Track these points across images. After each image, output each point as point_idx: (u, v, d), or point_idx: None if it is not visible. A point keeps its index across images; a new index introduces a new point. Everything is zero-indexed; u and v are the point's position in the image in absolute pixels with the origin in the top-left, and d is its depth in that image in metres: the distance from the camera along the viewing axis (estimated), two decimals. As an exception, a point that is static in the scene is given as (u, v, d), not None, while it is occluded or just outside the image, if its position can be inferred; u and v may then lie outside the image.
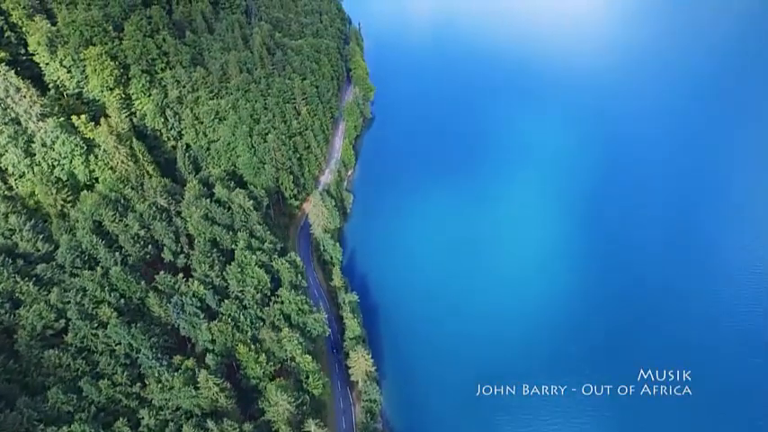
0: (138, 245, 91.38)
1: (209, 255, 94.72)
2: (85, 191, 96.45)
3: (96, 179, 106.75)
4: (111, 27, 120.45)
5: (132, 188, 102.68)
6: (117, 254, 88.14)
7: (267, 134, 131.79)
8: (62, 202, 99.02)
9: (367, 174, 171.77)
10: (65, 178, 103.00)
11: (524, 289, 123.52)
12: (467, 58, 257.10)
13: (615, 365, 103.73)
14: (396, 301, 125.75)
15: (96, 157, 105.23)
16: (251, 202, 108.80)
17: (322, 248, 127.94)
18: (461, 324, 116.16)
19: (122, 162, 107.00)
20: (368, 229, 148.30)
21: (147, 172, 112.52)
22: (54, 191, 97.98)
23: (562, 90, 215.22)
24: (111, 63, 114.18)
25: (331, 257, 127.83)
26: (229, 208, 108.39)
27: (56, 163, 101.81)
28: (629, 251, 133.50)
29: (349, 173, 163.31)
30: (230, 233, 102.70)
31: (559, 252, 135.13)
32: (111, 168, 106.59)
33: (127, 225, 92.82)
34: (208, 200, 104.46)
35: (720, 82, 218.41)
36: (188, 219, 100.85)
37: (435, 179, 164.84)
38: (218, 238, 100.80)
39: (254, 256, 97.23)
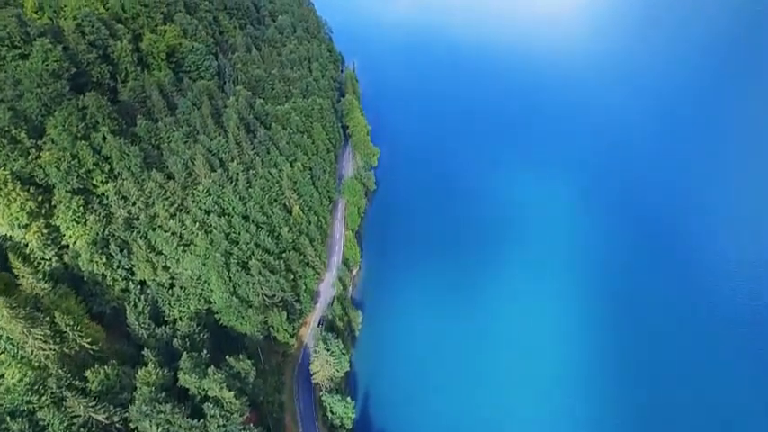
0: None
1: None
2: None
3: (2, 376, 73.45)
4: (23, 133, 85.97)
5: (52, 397, 69.63)
6: None
7: (250, 259, 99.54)
8: (-59, 434, 65.77)
9: (374, 266, 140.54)
10: (-51, 385, 69.63)
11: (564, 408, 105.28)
12: (468, 83, 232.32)
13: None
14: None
15: (-2, 346, 71.97)
16: (232, 393, 76.83)
17: (329, 412, 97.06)
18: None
19: (39, 348, 73.82)
20: (381, 354, 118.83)
21: (83, 347, 79.40)
22: (-73, 418, 64.65)
23: (577, 135, 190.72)
24: (23, 193, 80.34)
25: (341, 421, 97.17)
26: (202, 405, 76.26)
27: (-68, 367, 68.36)
28: (649, 333, 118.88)
29: (353, 273, 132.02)
30: (203, 457, 70.97)
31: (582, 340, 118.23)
32: (24, 359, 73.36)
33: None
34: (169, 405, 72.01)
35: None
36: (138, 445, 68.65)
37: (450, 265, 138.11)
38: (184, 474, 69.07)
39: (238, 506, 65.98)
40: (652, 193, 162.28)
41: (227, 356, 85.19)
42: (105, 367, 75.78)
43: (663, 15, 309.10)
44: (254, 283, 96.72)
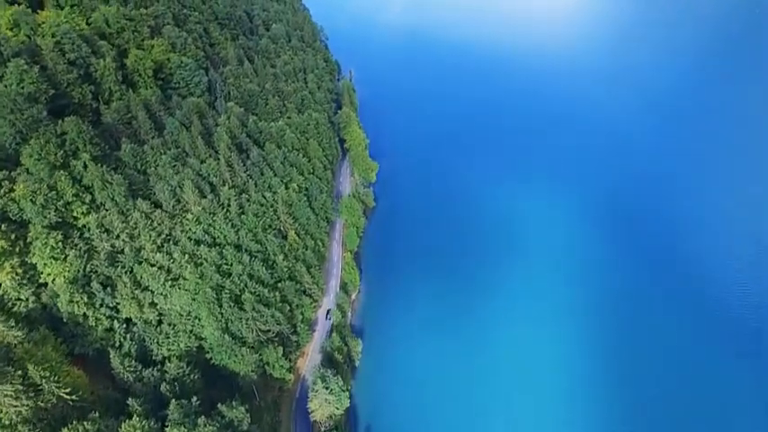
0: None
1: None
2: None
3: (-31, 437, 67.30)
4: (-5, 165, 79.98)
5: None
6: None
7: (243, 292, 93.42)
8: None
9: (374, 288, 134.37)
10: None
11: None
12: (468, 85, 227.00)
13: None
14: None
15: (-35, 405, 65.66)
16: (224, 447, 71.18)
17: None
18: None
19: (10, 405, 67.53)
20: (383, 384, 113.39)
21: (61, 398, 73.15)
22: None
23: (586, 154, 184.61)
24: (-7, 232, 74.22)
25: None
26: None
27: None
28: (652, 352, 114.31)
29: (352, 298, 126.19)
30: None
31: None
32: (-7, 418, 67.18)
33: None
34: (154, 466, 66.31)
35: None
36: None
37: (452, 284, 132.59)
38: None
39: None
40: (653, 200, 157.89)
41: (219, 404, 79.23)
42: (85, 423, 69.56)
43: (664, 16, 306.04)
44: (247, 319, 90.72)
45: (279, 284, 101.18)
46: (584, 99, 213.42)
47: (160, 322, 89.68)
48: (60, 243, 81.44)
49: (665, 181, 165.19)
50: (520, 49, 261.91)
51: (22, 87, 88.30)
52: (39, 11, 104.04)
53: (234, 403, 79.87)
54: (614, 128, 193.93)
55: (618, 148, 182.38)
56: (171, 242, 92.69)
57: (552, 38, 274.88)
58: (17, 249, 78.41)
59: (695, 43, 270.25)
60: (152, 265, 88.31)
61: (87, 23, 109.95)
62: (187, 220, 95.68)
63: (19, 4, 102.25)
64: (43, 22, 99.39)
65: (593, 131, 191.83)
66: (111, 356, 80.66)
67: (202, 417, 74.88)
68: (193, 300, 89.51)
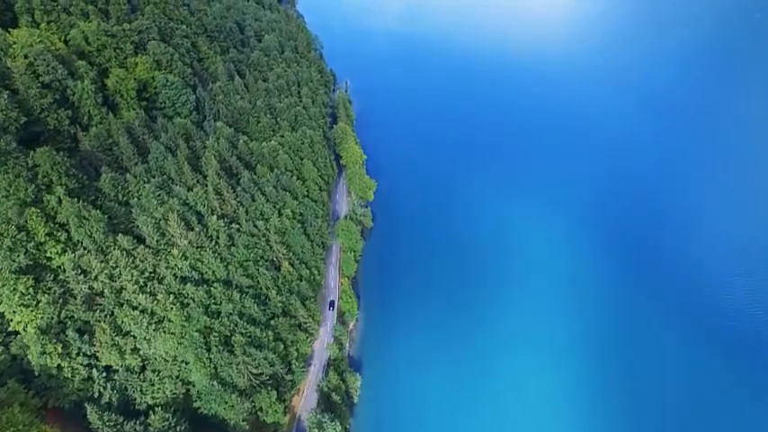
0: None
1: None
2: None
3: None
4: (-41, 204, 73.05)
5: None
6: None
7: (233, 334, 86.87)
8: None
9: (374, 315, 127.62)
10: None
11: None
12: (467, 88, 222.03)
13: None
14: None
15: None
16: None
17: None
18: None
19: (-26, 479, 61.20)
20: (383, 421, 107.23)
21: (30, 464, 66.71)
22: None
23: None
24: (-46, 282, 67.44)
25: None
26: None
27: None
28: (655, 379, 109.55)
29: (350, 327, 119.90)
30: None
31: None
32: (-46, 494, 60.67)
33: None
34: None
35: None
36: None
37: (455, 309, 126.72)
38: None
39: None
40: (655, 215, 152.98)
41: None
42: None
43: (665, 17, 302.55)
44: (238, 363, 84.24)
45: (272, 321, 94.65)
46: (585, 111, 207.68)
47: (143, 369, 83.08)
48: (31, 288, 74.73)
49: (666, 196, 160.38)
50: (519, 50, 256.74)
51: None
52: (11, 30, 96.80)
53: (223, 462, 73.75)
54: (615, 139, 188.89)
55: (621, 161, 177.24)
56: (155, 280, 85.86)
57: (554, 42, 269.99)
58: (-18, 298, 71.88)
59: (695, 43, 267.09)
60: (134, 308, 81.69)
61: (65, 42, 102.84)
62: (172, 255, 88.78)
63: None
64: (14, 43, 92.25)
65: (595, 146, 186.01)
66: (87, 412, 74.14)
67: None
68: (179, 344, 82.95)
